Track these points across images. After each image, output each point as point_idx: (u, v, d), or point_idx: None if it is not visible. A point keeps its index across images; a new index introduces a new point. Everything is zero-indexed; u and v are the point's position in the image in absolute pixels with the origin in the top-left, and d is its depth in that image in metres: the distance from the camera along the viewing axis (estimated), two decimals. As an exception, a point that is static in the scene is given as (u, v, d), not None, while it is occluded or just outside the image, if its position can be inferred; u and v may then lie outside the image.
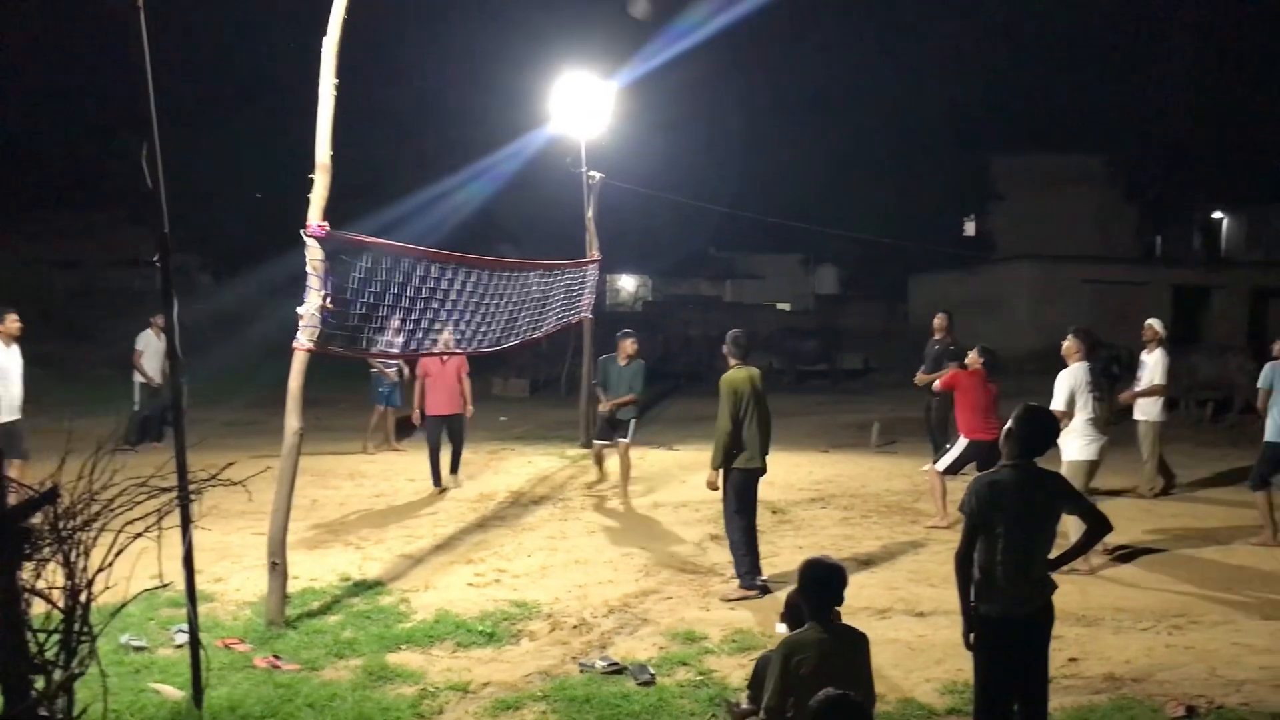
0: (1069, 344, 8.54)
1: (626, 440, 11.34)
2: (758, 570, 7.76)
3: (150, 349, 13.87)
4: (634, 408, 11.40)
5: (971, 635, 4.60)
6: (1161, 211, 41.73)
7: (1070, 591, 5.98)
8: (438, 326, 9.80)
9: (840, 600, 4.52)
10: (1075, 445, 8.22)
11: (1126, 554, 8.67)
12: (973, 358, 9.94)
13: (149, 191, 5.19)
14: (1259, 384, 9.47)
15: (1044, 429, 4.73)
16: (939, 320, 12.63)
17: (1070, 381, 8.32)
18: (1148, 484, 11.16)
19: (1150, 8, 37.93)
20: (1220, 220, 43.31)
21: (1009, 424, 4.69)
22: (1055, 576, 4.67)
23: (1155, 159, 37.28)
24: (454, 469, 11.89)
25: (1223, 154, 35.73)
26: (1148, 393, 10.84)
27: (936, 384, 10.61)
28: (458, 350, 11.39)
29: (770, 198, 33.33)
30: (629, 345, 11.30)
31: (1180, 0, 38.02)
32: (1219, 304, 30.71)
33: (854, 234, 30.59)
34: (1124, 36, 37.34)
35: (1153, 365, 10.83)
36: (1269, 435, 9.15)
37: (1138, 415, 11.06)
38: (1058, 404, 8.16)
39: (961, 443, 9.67)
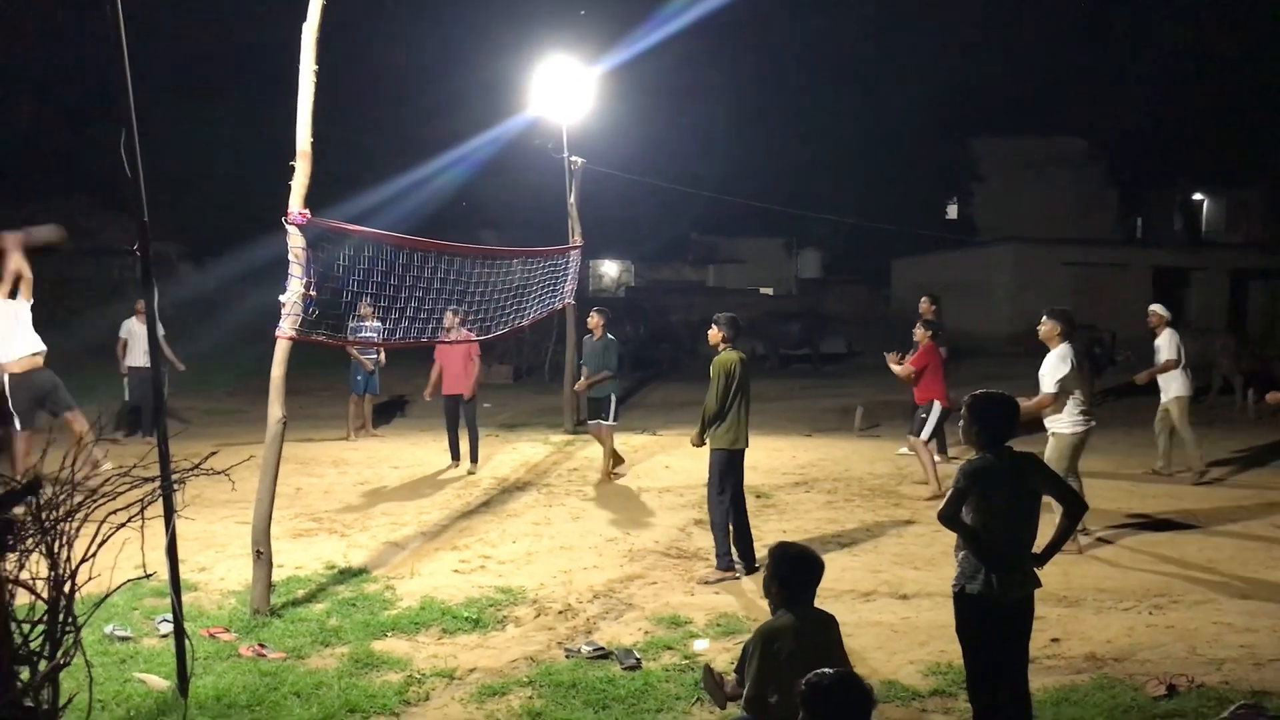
0: (1047, 327, 8.13)
1: (608, 423, 11.34)
2: (751, 556, 7.80)
3: (134, 337, 13.70)
4: (610, 385, 11.29)
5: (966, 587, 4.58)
6: (1142, 194, 41.83)
7: (1053, 572, 6.01)
8: (424, 314, 9.75)
9: (817, 583, 4.51)
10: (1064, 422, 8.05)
11: (1109, 535, 8.75)
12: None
13: (128, 179, 5.13)
14: None
15: (1006, 413, 4.73)
16: (924, 304, 12.51)
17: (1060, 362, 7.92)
18: (1197, 460, 11.08)
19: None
20: (1201, 202, 43.50)
21: (967, 416, 4.70)
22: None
23: (1135, 141, 37.36)
24: (472, 457, 12.05)
25: (1203, 136, 35.83)
26: (1163, 369, 10.89)
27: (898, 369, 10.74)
28: (457, 336, 11.38)
29: (753, 182, 33.28)
30: (592, 319, 11.35)
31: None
32: (1199, 286, 30.92)
33: (836, 218, 30.64)
34: (1104, 19, 37.38)
35: (1163, 345, 10.93)
36: None
37: (1164, 397, 11.04)
38: (1048, 387, 7.89)
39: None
